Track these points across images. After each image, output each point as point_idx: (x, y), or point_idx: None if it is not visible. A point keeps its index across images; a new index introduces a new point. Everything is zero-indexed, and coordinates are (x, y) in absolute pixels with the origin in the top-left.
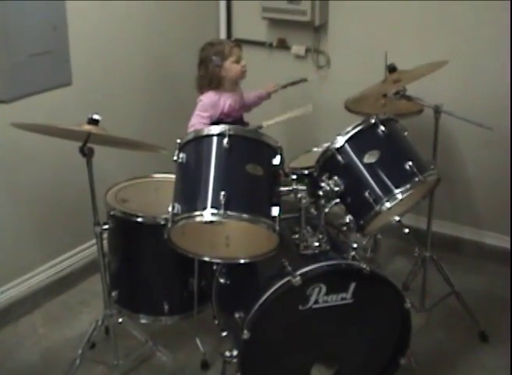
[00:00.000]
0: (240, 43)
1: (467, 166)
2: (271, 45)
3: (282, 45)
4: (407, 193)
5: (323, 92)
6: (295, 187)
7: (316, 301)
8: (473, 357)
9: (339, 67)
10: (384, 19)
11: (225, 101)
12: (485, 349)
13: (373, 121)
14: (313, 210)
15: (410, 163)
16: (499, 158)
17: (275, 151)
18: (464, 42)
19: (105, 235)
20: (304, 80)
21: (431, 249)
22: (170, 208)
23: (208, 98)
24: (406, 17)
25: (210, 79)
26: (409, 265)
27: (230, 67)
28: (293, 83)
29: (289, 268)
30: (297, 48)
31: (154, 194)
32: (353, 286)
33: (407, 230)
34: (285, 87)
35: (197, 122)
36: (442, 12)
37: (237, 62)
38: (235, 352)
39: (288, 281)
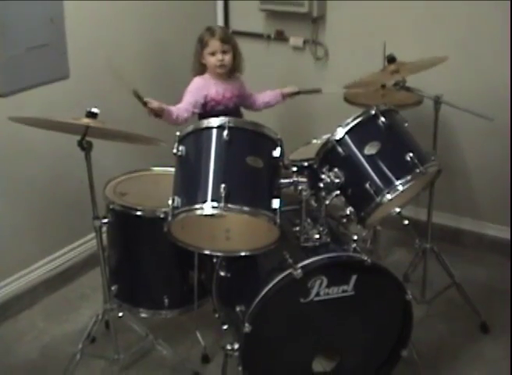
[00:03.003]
0: (226, 37)
1: (467, 156)
2: (269, 37)
3: (280, 37)
4: (408, 184)
5: (321, 84)
6: (295, 179)
7: (317, 294)
8: (474, 348)
9: (338, 59)
10: (382, 11)
11: (212, 86)
12: (486, 340)
13: (373, 112)
14: (313, 202)
15: (411, 154)
16: (499, 149)
17: (275, 143)
18: (464, 33)
19: (104, 229)
20: (317, 91)
21: (431, 241)
22: (170, 202)
23: (194, 82)
24: (404, 8)
25: (194, 61)
26: (409, 256)
27: (206, 57)
28: (307, 92)
29: (290, 260)
30: (295, 40)
31: (153, 188)
32: (354, 278)
33: (406, 222)
34: (298, 93)
35: (178, 107)
36: (441, 2)
37: (212, 54)
38: (236, 345)
39: (289, 274)
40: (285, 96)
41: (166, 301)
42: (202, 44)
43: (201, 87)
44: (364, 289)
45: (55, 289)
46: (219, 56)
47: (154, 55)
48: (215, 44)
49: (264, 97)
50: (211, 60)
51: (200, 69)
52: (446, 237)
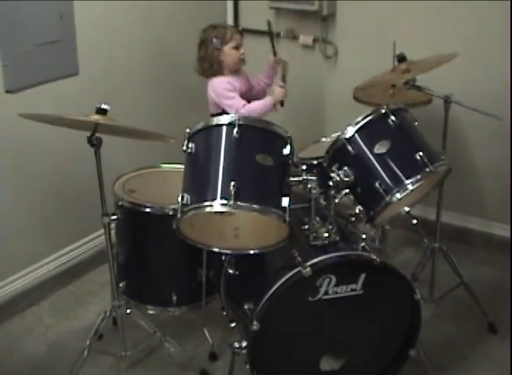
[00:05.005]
0: (241, 30)
1: (476, 156)
2: (278, 35)
3: (290, 35)
4: (418, 184)
5: (331, 82)
6: (305, 177)
7: (326, 292)
8: (481, 348)
9: (347, 57)
10: (392, 9)
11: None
12: (493, 340)
13: (383, 111)
14: (322, 201)
15: (421, 154)
16: (508, 149)
17: (285, 141)
18: (474, 32)
19: (113, 226)
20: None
21: (439, 240)
22: (179, 199)
23: (220, 81)
24: (414, 7)
25: (210, 61)
26: (417, 255)
27: (229, 52)
28: (271, 37)
29: (299, 259)
30: (305, 38)
31: (162, 185)
32: (363, 277)
33: (414, 221)
34: (273, 46)
35: (236, 104)
36: (450, 2)
37: (236, 48)
38: (244, 343)
39: (298, 272)
40: (273, 66)
41: (174, 298)
42: (224, 39)
43: (232, 82)
44: (372, 288)
45: (62, 285)
46: (242, 50)
47: (163, 53)
48: (237, 37)
49: (260, 82)
50: (236, 54)
51: (218, 68)
52: (455, 236)
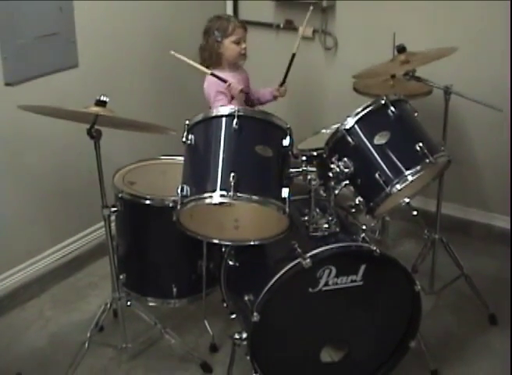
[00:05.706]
0: (246, 25)
1: (476, 147)
2: (278, 26)
3: (290, 26)
4: (418, 175)
5: (331, 74)
6: (305, 168)
7: (326, 284)
8: (482, 340)
9: (347, 49)
10: (392, 1)
11: (230, 79)
12: (494, 332)
13: (383, 102)
14: (322, 192)
15: (421, 144)
16: (508, 140)
17: (284, 132)
18: (474, 23)
19: (113, 218)
20: (293, 57)
21: (440, 231)
22: (179, 191)
23: (214, 82)
24: None
25: (209, 52)
26: (417, 247)
27: (229, 46)
28: (288, 69)
29: (299, 250)
30: (305, 30)
31: (162, 177)
32: (363, 268)
33: (415, 212)
34: (284, 80)
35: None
36: None
37: (237, 43)
38: (244, 335)
39: (298, 263)
40: (272, 92)
41: (175, 289)
42: (226, 32)
43: (219, 83)
44: (372, 279)
45: (63, 278)
46: (244, 44)
47: (163, 45)
48: (240, 31)
49: (257, 93)
50: (235, 49)
51: (217, 59)
52: (455, 228)
